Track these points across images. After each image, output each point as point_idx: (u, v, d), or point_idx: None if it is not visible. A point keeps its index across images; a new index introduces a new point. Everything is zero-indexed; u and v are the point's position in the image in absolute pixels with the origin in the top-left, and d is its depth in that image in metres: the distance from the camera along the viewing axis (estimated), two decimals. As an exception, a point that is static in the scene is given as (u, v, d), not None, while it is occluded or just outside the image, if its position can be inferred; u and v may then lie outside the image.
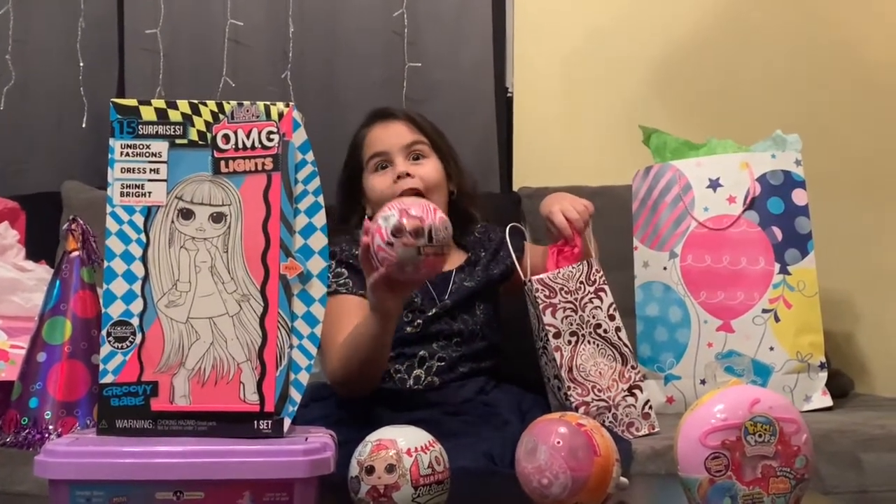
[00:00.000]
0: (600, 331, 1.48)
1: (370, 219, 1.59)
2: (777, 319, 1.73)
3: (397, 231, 1.17)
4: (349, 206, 1.69)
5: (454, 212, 1.62)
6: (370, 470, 0.96)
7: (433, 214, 1.19)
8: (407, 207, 1.19)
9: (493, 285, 1.66)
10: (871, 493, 1.42)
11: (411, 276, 1.20)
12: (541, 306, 1.46)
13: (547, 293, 1.47)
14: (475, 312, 1.62)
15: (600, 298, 1.49)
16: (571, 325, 1.47)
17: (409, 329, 1.56)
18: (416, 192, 1.56)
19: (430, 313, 1.57)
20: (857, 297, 2.36)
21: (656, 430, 1.48)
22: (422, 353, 1.56)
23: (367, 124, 1.68)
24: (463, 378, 1.57)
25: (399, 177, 1.59)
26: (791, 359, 1.72)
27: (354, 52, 2.33)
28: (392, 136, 1.64)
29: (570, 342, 1.47)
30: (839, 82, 2.43)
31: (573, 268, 1.48)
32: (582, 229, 1.54)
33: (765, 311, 1.74)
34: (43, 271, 1.73)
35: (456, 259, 1.65)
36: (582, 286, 1.48)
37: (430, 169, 1.63)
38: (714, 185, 1.82)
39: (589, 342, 1.47)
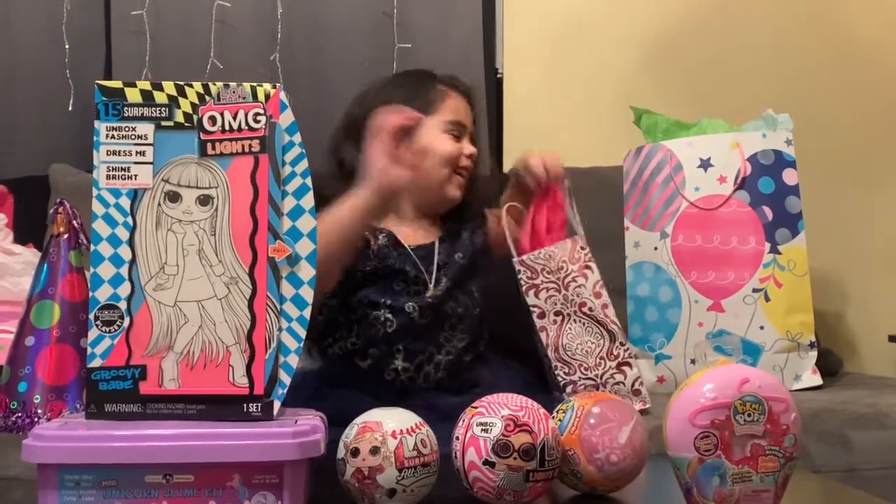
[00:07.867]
0: (585, 309, 1.45)
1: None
2: (767, 299, 1.74)
3: (502, 449, 0.96)
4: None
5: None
6: (355, 452, 0.96)
7: (545, 423, 0.99)
8: (514, 414, 0.97)
9: (479, 257, 1.56)
10: (860, 472, 1.43)
11: (505, 502, 0.98)
12: (523, 287, 1.45)
13: (529, 274, 1.45)
14: (473, 292, 1.53)
15: (585, 276, 1.46)
16: (555, 304, 1.45)
17: (418, 319, 1.44)
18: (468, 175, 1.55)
19: (430, 297, 1.46)
20: (847, 276, 2.37)
21: (647, 405, 1.46)
22: (431, 348, 1.46)
23: (446, 86, 1.59)
24: (469, 366, 1.49)
25: (469, 156, 1.55)
26: (781, 338, 1.72)
27: (343, 33, 2.32)
28: (465, 113, 1.59)
29: (554, 322, 1.45)
30: (830, 62, 2.43)
31: (556, 247, 1.45)
32: (560, 177, 1.49)
33: (755, 290, 1.74)
34: (30, 255, 1.73)
35: (434, 233, 1.56)
36: (565, 265, 1.45)
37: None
38: (705, 164, 1.82)
39: (575, 321, 1.45)
